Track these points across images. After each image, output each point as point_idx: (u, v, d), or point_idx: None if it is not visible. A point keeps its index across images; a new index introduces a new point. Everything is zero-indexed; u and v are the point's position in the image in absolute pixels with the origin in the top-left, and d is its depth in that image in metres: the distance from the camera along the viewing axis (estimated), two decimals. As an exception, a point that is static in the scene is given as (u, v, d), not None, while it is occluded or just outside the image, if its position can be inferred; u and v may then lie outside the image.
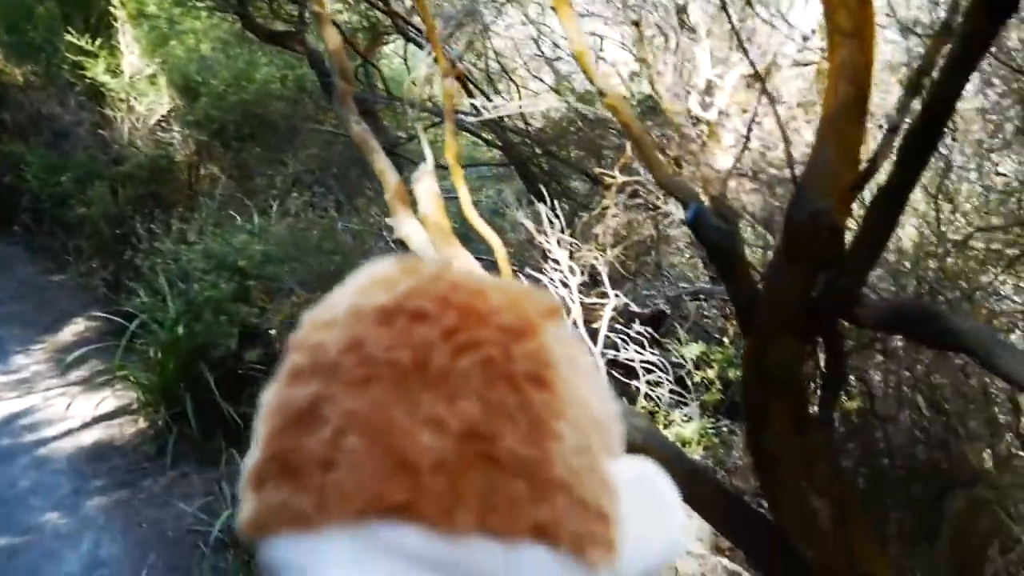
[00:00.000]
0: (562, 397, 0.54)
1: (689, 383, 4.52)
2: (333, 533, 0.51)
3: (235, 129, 7.50)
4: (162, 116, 8.83)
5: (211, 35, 7.79)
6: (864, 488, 3.43)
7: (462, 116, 3.01)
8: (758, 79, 3.18)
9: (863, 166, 2.27)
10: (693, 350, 4.40)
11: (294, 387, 0.56)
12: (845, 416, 3.54)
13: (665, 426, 4.54)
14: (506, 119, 5.20)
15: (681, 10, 2.93)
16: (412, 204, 3.06)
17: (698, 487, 2.75)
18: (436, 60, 2.91)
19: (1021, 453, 2.92)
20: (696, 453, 4.56)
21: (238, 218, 6.82)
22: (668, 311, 4.37)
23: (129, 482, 6.65)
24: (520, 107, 2.82)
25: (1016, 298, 3.07)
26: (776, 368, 2.33)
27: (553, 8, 2.28)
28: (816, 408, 2.60)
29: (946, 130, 3.07)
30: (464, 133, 5.78)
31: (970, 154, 3.07)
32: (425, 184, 2.99)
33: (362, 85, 5.83)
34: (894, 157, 2.13)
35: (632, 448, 2.36)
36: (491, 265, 3.08)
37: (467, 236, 3.38)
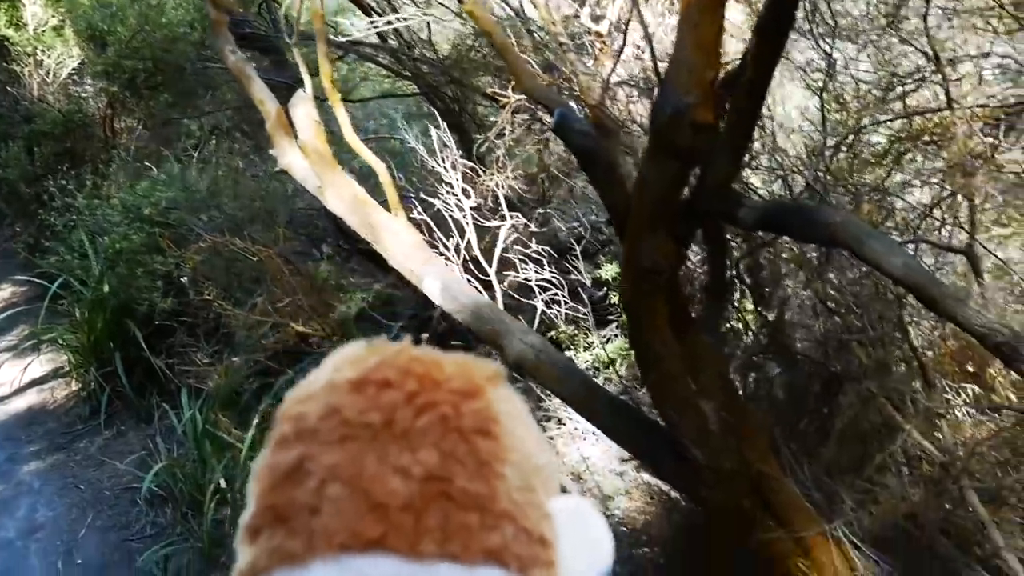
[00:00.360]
0: (505, 445, 0.65)
1: (609, 305, 4.52)
2: (319, 566, 0.59)
3: (146, 77, 7.23)
4: (73, 69, 8.50)
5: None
6: (758, 388, 3.47)
7: (337, 39, 2.90)
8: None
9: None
10: (610, 271, 4.39)
11: (281, 452, 0.65)
12: (743, 321, 3.56)
13: (586, 347, 4.55)
14: (417, 49, 5.07)
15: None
16: (295, 133, 2.96)
17: (588, 397, 2.75)
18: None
19: (905, 349, 2.95)
20: (619, 372, 4.59)
21: (154, 169, 6.61)
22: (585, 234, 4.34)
23: (64, 445, 6.57)
24: (387, 22, 2.72)
25: (909, 197, 3.08)
26: (651, 269, 2.31)
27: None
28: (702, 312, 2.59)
29: (829, 25, 3.04)
30: (375, 65, 5.64)
31: (854, 51, 3.03)
32: (302, 111, 2.89)
33: (264, 20, 5.64)
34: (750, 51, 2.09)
35: (526, 365, 2.33)
36: (378, 190, 3.00)
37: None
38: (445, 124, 3.76)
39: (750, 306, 3.71)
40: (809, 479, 2.84)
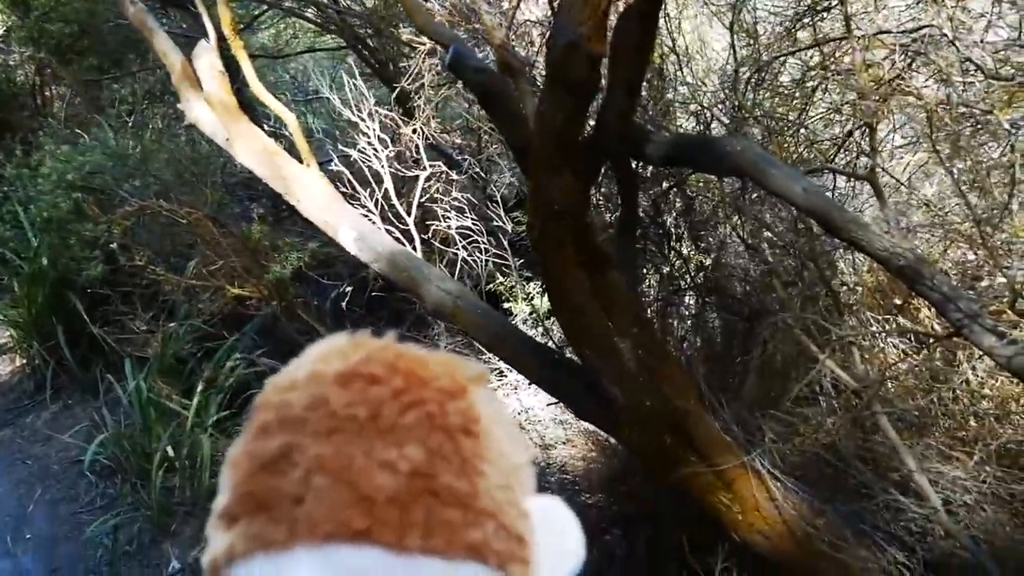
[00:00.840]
0: (486, 444, 0.67)
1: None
2: (302, 553, 0.60)
3: (73, 42, 7.02)
4: (-1, 36, 8.23)
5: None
6: (681, 326, 3.49)
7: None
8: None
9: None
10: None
11: (263, 440, 0.66)
12: (672, 259, 3.56)
13: (524, 299, 4.54)
14: (342, 0, 4.96)
15: None
16: (196, 80, 2.87)
17: (507, 342, 2.73)
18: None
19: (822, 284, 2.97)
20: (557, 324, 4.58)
21: (85, 136, 6.45)
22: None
23: (10, 421, 6.49)
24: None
25: (825, 131, 3.08)
26: (557, 209, 2.28)
27: None
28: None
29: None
30: (303, 21, 5.51)
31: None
32: (205, 61, 2.80)
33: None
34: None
35: (444, 311, 2.29)
36: (288, 141, 2.93)
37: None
38: (371, 75, 3.67)
39: (682, 249, 3.72)
40: (730, 414, 2.86)
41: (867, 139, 2.62)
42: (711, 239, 3.65)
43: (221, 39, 2.89)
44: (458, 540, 0.63)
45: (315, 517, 0.61)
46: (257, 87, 2.78)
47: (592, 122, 2.47)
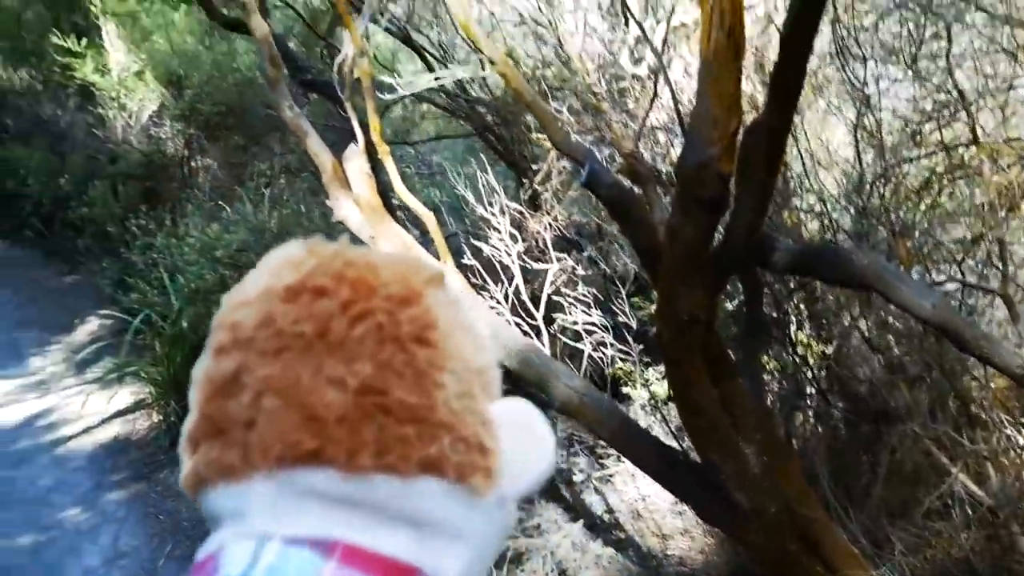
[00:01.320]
0: (444, 352, 0.65)
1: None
2: (257, 480, 0.60)
3: (221, 120, 7.58)
4: (153, 111, 8.93)
5: (191, 27, 7.85)
6: (805, 430, 3.44)
7: (382, 95, 3.03)
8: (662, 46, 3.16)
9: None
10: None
11: (219, 360, 0.65)
12: (795, 357, 3.54)
13: (644, 384, 4.57)
14: (470, 89, 5.20)
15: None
16: (346, 181, 3.10)
17: (633, 441, 2.79)
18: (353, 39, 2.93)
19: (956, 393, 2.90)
20: (674, 409, 4.58)
21: (227, 209, 6.91)
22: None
23: (146, 475, 6.82)
24: (433, 80, 2.84)
25: (950, 233, 3.04)
26: (687, 320, 2.35)
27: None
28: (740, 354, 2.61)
29: (861, 62, 3.03)
30: (433, 106, 5.79)
31: (888, 83, 3.02)
32: (354, 164, 3.02)
33: (326, 66, 5.85)
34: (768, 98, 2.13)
35: (570, 408, 2.40)
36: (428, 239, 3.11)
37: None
38: (500, 164, 3.84)
39: (805, 340, 3.70)
40: (856, 523, 2.81)
41: (996, 248, 2.58)
42: (834, 329, 3.63)
43: (367, 137, 3.10)
44: (412, 456, 0.62)
45: (266, 440, 0.60)
46: (401, 190, 2.97)
47: (720, 232, 2.54)
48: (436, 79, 2.79)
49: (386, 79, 3.07)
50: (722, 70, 2.09)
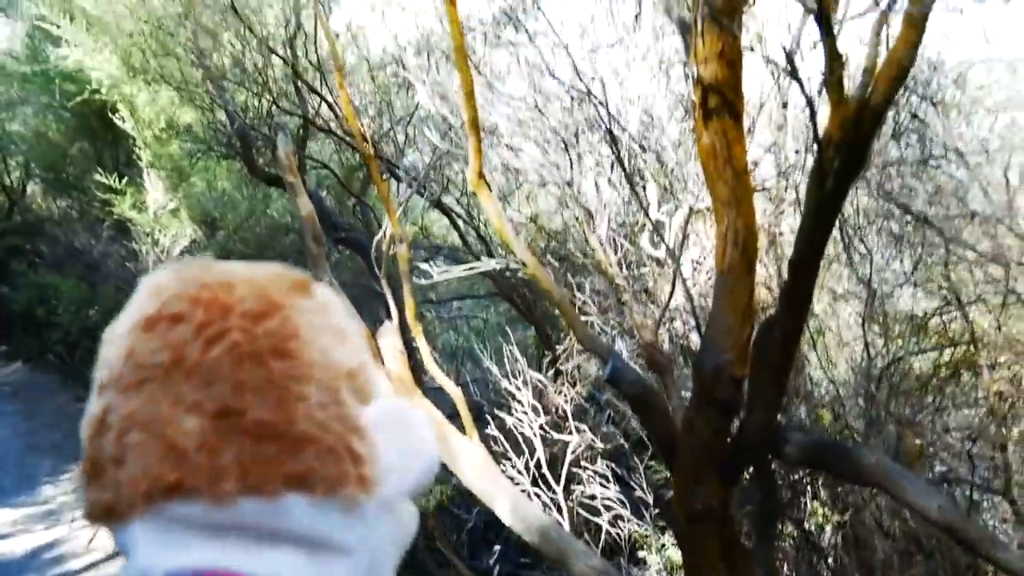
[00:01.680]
0: (304, 362, 0.64)
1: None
2: (136, 518, 0.61)
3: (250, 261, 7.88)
4: (184, 247, 9.27)
5: (227, 173, 8.28)
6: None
7: (419, 280, 3.26)
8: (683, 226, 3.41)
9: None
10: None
11: (95, 400, 0.66)
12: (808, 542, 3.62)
13: (659, 549, 4.62)
14: (495, 250, 5.46)
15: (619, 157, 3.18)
16: (379, 357, 3.28)
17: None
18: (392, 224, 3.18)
19: None
20: None
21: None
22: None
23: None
24: (464, 271, 3.07)
25: (953, 423, 3.18)
26: (702, 512, 2.48)
27: (473, 192, 2.54)
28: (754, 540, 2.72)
29: (863, 256, 3.26)
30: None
31: (891, 281, 3.25)
32: (388, 341, 3.22)
33: (359, 222, 6.18)
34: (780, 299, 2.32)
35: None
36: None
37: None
38: (522, 321, 4.01)
39: (819, 510, 3.78)
40: None
41: (999, 448, 2.73)
42: (849, 499, 3.70)
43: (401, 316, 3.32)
44: (276, 474, 0.60)
45: (133, 476, 0.60)
46: (432, 367, 3.16)
47: (735, 425, 2.70)
48: (470, 269, 3.02)
49: (421, 264, 3.29)
50: (736, 284, 2.29)
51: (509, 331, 4.12)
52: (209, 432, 0.59)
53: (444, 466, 3.96)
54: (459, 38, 2.36)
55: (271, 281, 0.68)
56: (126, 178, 9.35)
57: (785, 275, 2.64)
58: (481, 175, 2.52)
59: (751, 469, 2.85)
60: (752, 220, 2.28)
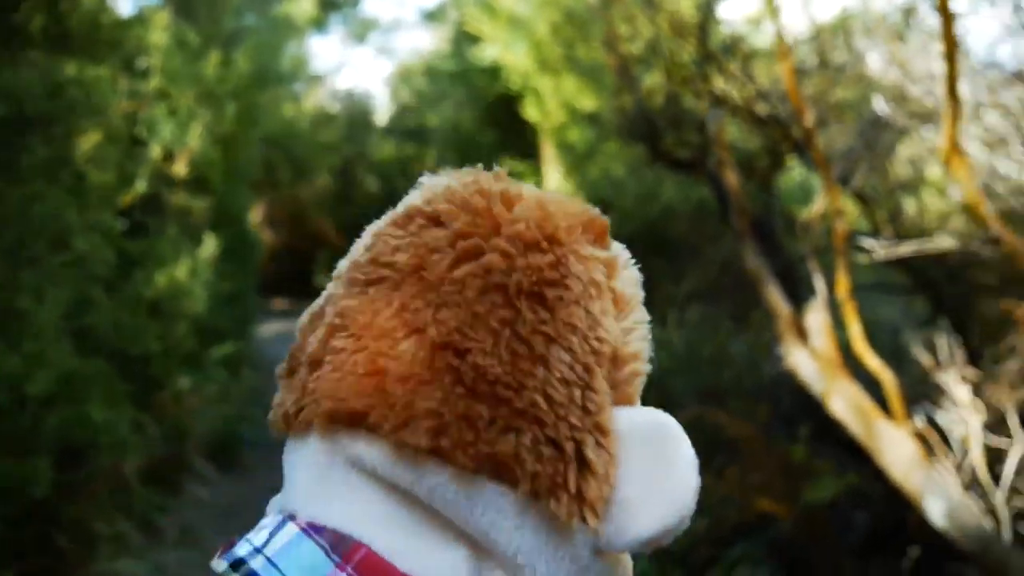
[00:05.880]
0: (564, 319, 0.51)
1: None
2: (312, 440, 0.52)
3: (641, 244, 8.15)
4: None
5: (623, 158, 8.61)
6: None
7: (859, 250, 3.10)
8: None
9: None
10: None
11: (325, 291, 0.59)
12: None
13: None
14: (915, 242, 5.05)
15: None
16: (801, 333, 3.20)
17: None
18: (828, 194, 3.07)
19: None
20: None
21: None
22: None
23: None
24: (921, 247, 2.83)
25: None
26: None
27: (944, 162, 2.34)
28: None
29: None
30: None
31: None
32: (816, 317, 3.13)
33: (761, 204, 6.07)
34: None
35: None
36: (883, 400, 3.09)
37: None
38: (949, 326, 3.71)
39: None
40: None
41: None
42: None
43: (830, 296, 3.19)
44: (476, 446, 0.47)
45: (321, 391, 0.50)
46: (861, 348, 3.01)
47: None
48: (926, 243, 2.80)
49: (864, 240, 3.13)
50: None
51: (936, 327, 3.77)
52: (422, 363, 0.48)
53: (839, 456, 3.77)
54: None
55: (563, 212, 0.56)
56: (528, 161, 10.15)
57: None
58: (955, 144, 2.32)
59: None
60: None
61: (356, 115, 16.10)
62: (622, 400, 0.54)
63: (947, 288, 4.57)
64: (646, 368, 0.57)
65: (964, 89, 3.01)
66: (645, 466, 0.51)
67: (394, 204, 0.59)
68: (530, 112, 9.86)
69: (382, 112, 16.97)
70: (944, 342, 3.39)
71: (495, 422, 0.47)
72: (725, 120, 5.10)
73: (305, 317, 0.57)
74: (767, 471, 4.72)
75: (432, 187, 0.57)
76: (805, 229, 3.31)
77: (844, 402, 3.02)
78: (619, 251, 0.61)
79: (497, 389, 0.47)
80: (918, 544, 3.57)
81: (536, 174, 10.44)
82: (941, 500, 2.78)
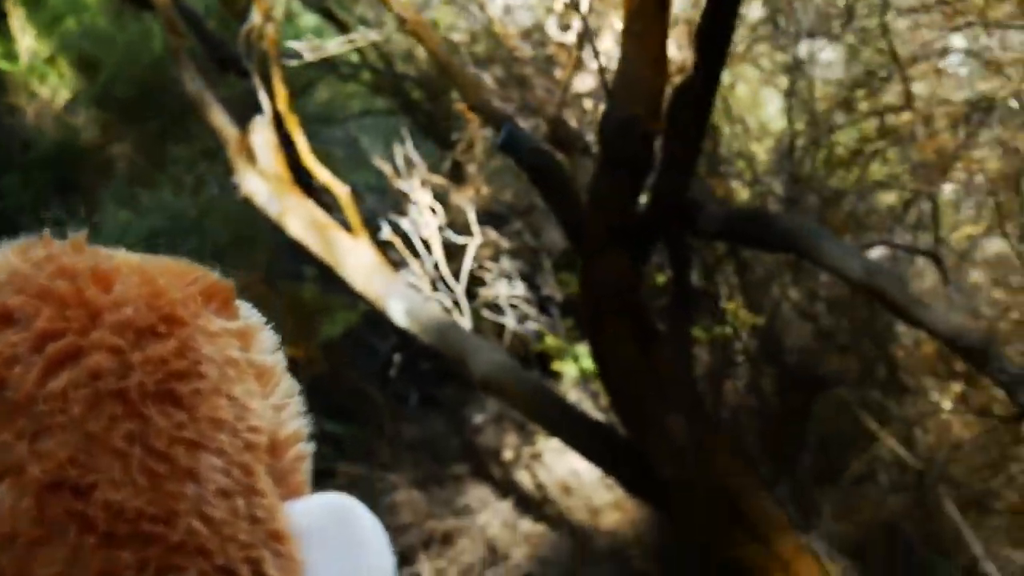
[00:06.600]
0: (206, 417, 0.41)
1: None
2: None
3: (137, 104, 7.31)
4: (67, 98, 8.58)
5: (102, 7, 7.56)
6: (735, 400, 3.43)
7: (290, 59, 2.89)
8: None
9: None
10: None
11: None
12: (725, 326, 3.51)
13: (574, 359, 4.51)
14: (398, 63, 5.06)
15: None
16: (252, 157, 2.94)
17: (555, 417, 2.71)
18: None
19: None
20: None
21: (143, 197, 6.66)
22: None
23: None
24: (344, 43, 2.71)
25: (882, 199, 3.04)
26: (608, 284, 2.28)
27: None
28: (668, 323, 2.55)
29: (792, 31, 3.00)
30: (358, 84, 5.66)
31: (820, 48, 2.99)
32: (261, 136, 2.88)
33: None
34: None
35: (492, 384, 2.29)
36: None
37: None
38: (430, 142, 3.74)
39: (735, 310, 3.68)
40: (786, 490, 2.79)
41: (926, 210, 2.57)
42: (764, 299, 3.61)
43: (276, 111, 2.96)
44: None
45: None
46: (310, 161, 2.84)
47: (645, 197, 2.47)
48: (349, 41, 2.65)
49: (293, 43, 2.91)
50: (647, 28, 2.01)
51: (412, 141, 3.78)
52: (27, 516, 0.36)
53: (349, 289, 3.72)
54: None
55: (176, 282, 0.44)
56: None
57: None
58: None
59: (666, 250, 2.65)
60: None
61: None
62: (291, 492, 0.46)
63: (428, 107, 4.70)
64: (310, 449, 0.48)
65: None
66: (335, 560, 0.44)
67: None
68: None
69: None
70: (401, 153, 3.41)
71: (146, 568, 0.36)
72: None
73: None
74: (277, 315, 4.56)
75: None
76: (246, 43, 2.97)
77: (300, 220, 2.85)
78: (249, 315, 0.49)
79: (142, 526, 0.36)
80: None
81: (6, 40, 8.81)
82: (401, 301, 2.79)
